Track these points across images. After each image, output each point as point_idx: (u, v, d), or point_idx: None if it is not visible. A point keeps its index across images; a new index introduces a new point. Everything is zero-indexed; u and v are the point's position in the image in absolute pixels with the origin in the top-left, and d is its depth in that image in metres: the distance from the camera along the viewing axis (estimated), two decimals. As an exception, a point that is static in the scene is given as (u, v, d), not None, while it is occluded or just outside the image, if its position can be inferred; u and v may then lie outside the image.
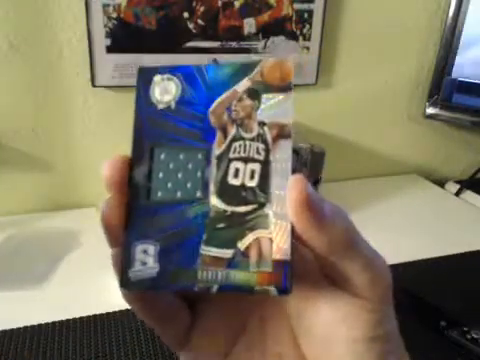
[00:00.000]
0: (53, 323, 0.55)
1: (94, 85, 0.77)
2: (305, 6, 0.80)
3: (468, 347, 0.53)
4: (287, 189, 0.20)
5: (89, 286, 0.63)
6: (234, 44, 0.80)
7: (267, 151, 0.21)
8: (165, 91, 0.23)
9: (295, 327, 0.24)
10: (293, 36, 0.82)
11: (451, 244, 0.76)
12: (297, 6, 0.80)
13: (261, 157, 0.21)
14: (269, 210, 0.21)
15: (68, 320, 0.56)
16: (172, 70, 0.23)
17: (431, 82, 0.94)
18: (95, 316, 0.57)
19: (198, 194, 0.22)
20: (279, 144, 0.21)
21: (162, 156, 0.22)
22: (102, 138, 0.83)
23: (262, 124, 0.22)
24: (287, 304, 0.24)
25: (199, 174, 0.22)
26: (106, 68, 0.76)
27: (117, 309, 0.57)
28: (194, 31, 0.77)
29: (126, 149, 0.23)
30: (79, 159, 0.83)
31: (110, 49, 0.75)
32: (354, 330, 0.21)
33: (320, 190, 0.77)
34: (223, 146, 0.22)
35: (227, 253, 0.21)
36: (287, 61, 0.22)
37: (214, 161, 0.22)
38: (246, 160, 0.21)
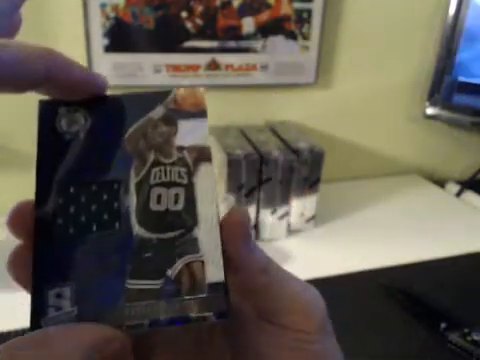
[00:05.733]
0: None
1: (92, 85, 0.76)
2: (304, 5, 0.80)
3: (469, 349, 0.53)
4: (227, 213, 0.20)
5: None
6: (233, 44, 0.79)
7: (189, 174, 0.21)
8: (72, 121, 0.22)
9: None
10: (292, 35, 0.81)
11: (451, 245, 0.75)
12: (296, 5, 0.80)
13: (184, 180, 0.21)
14: (198, 233, 0.20)
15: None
16: (79, 102, 0.22)
17: (431, 82, 0.94)
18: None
19: (117, 225, 0.20)
20: (201, 167, 0.21)
21: (71, 189, 0.21)
22: (100, 138, 0.82)
23: (181, 148, 0.22)
24: (227, 342, 0.23)
25: (116, 204, 0.20)
26: (104, 68, 0.75)
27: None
28: (192, 30, 0.77)
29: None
30: (77, 159, 0.83)
31: (108, 49, 0.74)
32: None
33: (320, 190, 0.76)
34: (142, 173, 0.21)
35: (156, 283, 0.19)
36: (200, 89, 0.23)
37: (133, 189, 0.21)
38: (168, 185, 0.21)
